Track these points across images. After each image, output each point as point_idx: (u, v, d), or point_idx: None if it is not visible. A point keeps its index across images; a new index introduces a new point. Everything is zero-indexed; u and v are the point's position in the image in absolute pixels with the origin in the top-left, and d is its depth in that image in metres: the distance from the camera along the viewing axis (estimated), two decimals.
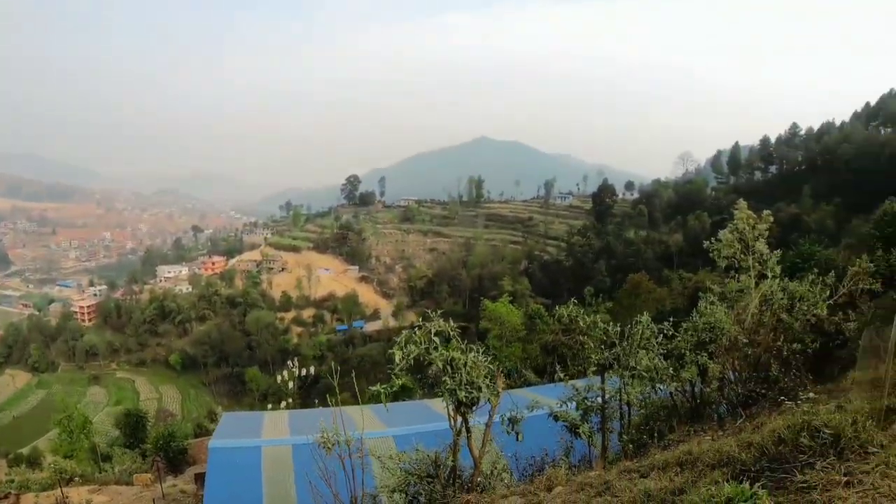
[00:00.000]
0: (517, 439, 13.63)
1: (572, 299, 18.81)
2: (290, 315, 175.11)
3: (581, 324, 17.40)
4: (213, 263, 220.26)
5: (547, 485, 10.41)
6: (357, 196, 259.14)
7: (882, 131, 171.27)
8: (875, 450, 7.77)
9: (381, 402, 11.66)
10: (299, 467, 18.87)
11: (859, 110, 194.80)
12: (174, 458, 41.58)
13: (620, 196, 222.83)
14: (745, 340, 16.76)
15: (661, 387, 16.94)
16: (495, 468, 13.45)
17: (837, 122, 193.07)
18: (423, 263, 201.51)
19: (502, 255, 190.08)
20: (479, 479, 12.13)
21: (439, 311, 12.18)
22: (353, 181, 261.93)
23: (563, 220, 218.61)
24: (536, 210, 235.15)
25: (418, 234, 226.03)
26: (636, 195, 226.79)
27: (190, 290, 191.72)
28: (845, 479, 7.04)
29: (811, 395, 11.41)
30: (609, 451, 15.75)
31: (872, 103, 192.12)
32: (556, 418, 15.88)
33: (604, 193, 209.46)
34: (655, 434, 15.17)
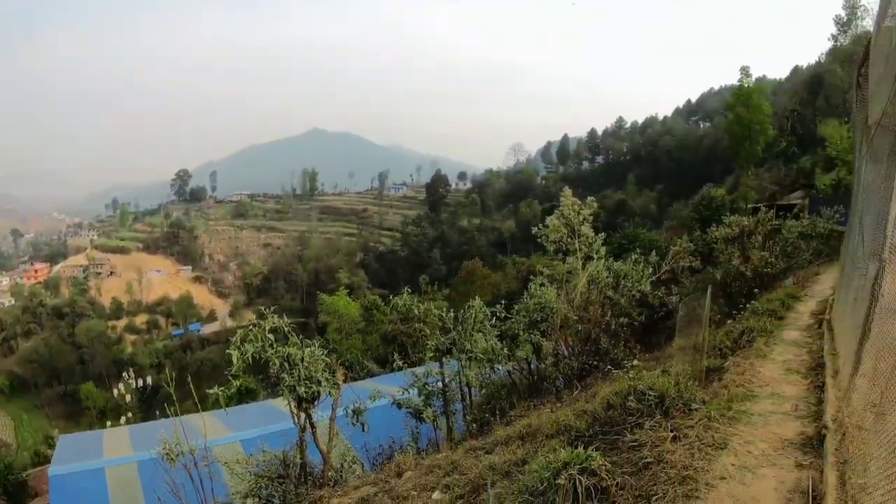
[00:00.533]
0: (363, 430, 13.59)
1: (406, 288, 19.01)
2: (122, 323, 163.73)
3: (416, 312, 17.61)
4: (36, 271, 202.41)
5: (397, 471, 10.52)
6: (187, 192, 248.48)
7: (701, 125, 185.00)
8: (697, 406, 8.33)
9: (224, 406, 11.40)
10: (147, 484, 17.86)
11: (681, 106, 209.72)
12: (14, 492, 38.38)
13: (454, 186, 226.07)
14: (575, 318, 17.44)
15: (500, 367, 17.34)
16: (345, 461, 13.41)
17: (660, 117, 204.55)
18: (258, 260, 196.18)
19: (338, 247, 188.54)
20: (330, 473, 12.03)
21: (276, 309, 12.07)
22: (182, 176, 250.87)
23: (397, 211, 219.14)
24: (371, 201, 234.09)
25: (252, 229, 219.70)
26: (469, 185, 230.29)
27: (13, 302, 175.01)
28: (672, 434, 7.50)
29: (635, 362, 11.92)
30: (455, 432, 15.97)
31: (693, 100, 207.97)
32: (399, 406, 15.97)
33: (437, 183, 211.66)
34: (497, 412, 15.51)
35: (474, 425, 15.66)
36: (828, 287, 19.82)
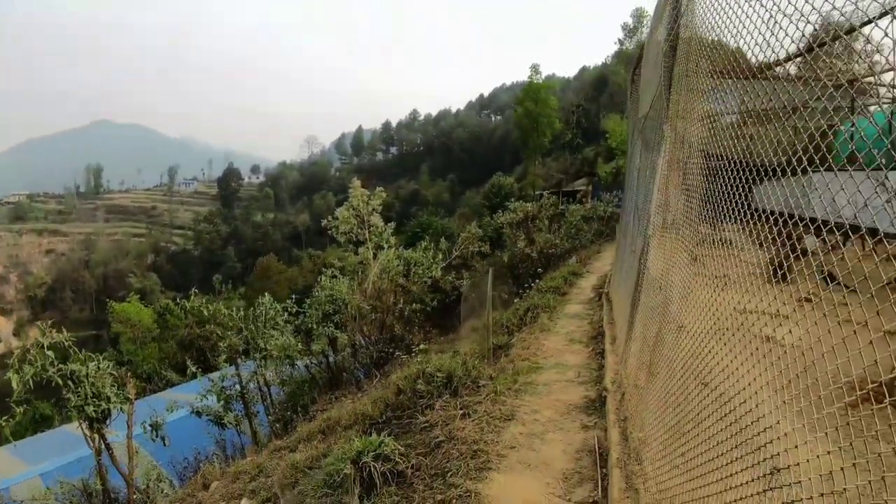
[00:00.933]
0: (164, 444, 13.02)
1: (193, 289, 18.56)
2: None
3: (205, 313, 17.21)
4: None
5: (203, 483, 10.28)
6: None
7: (492, 118, 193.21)
8: (485, 382, 8.61)
9: (19, 440, 10.52)
10: None
11: (474, 100, 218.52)
12: None
13: (247, 180, 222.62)
14: (368, 307, 17.58)
15: (299, 363, 17.21)
16: (150, 480, 12.74)
17: (454, 110, 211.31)
18: (42, 268, 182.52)
19: (127, 250, 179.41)
20: (135, 496, 11.39)
21: (63, 322, 11.26)
22: None
23: (188, 208, 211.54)
24: (160, 198, 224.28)
25: (32, 234, 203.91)
26: (262, 178, 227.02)
27: None
28: (462, 411, 7.73)
29: (423, 346, 12.21)
30: (259, 435, 15.70)
31: (486, 95, 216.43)
32: (199, 414, 15.49)
33: (229, 177, 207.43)
34: (299, 409, 15.39)
35: (278, 425, 15.48)
36: (607, 263, 21.08)
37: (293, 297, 18.02)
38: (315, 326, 17.15)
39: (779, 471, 2.55)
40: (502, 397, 8.26)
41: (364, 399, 10.49)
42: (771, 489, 2.59)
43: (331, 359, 17.56)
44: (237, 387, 15.94)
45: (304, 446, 9.25)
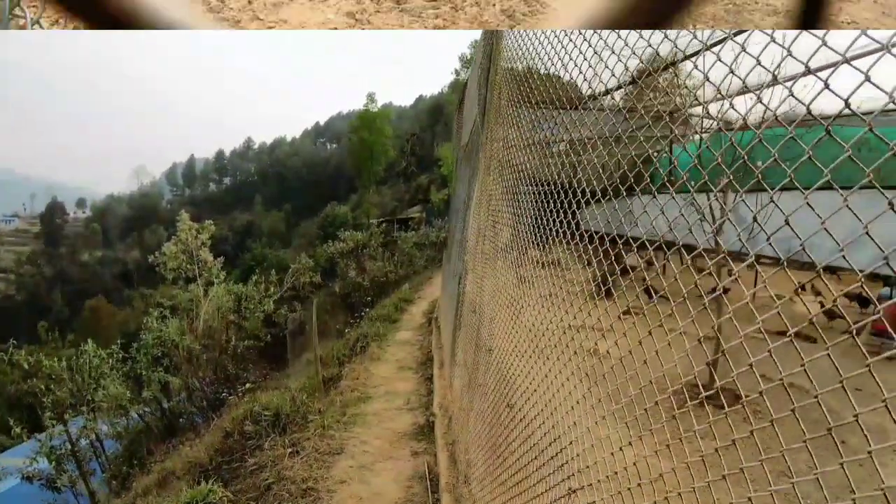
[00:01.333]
0: None
1: (11, 341, 17.65)
2: None
3: (25, 366, 16.39)
4: None
5: None
6: None
7: (328, 146, 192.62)
8: (313, 418, 8.58)
9: None
10: None
11: (309, 128, 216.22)
12: None
13: (72, 214, 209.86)
14: (199, 347, 17.15)
15: (133, 413, 16.60)
16: None
17: (289, 139, 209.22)
18: None
19: None
20: None
21: None
22: None
23: (9, 248, 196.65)
24: None
25: None
26: (89, 213, 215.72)
27: None
28: (291, 449, 7.78)
29: (248, 385, 12.07)
30: (98, 495, 14.98)
31: (322, 123, 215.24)
32: (30, 480, 14.61)
33: (53, 213, 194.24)
34: (136, 462, 14.77)
35: (115, 482, 14.81)
36: (438, 289, 21.46)
37: (119, 342, 17.32)
38: (144, 372, 16.52)
39: (575, 492, 2.67)
40: (331, 431, 8.27)
41: (200, 445, 10.25)
42: None
43: (165, 405, 17.01)
44: (67, 445, 15.15)
45: (142, 502, 8.97)
